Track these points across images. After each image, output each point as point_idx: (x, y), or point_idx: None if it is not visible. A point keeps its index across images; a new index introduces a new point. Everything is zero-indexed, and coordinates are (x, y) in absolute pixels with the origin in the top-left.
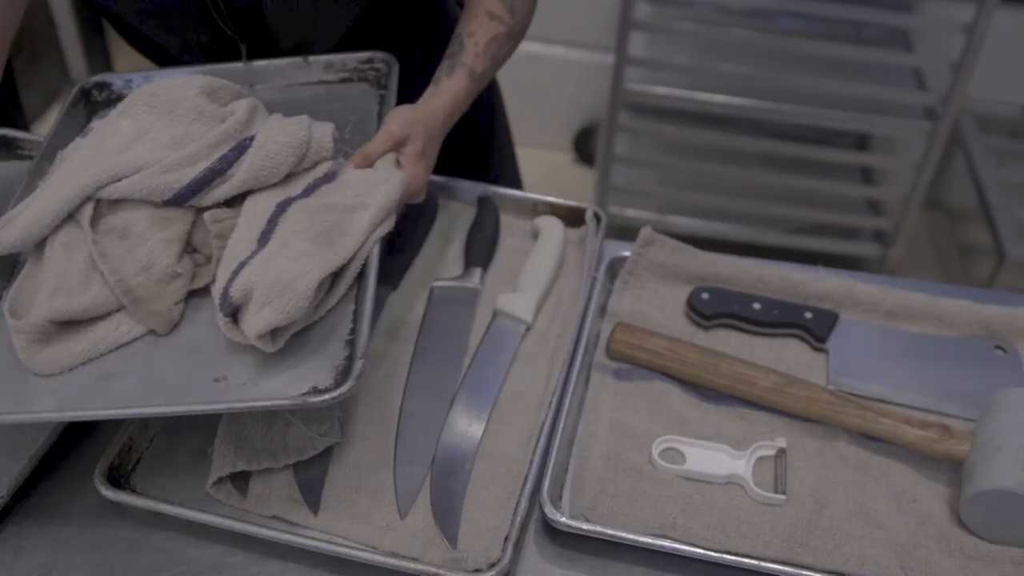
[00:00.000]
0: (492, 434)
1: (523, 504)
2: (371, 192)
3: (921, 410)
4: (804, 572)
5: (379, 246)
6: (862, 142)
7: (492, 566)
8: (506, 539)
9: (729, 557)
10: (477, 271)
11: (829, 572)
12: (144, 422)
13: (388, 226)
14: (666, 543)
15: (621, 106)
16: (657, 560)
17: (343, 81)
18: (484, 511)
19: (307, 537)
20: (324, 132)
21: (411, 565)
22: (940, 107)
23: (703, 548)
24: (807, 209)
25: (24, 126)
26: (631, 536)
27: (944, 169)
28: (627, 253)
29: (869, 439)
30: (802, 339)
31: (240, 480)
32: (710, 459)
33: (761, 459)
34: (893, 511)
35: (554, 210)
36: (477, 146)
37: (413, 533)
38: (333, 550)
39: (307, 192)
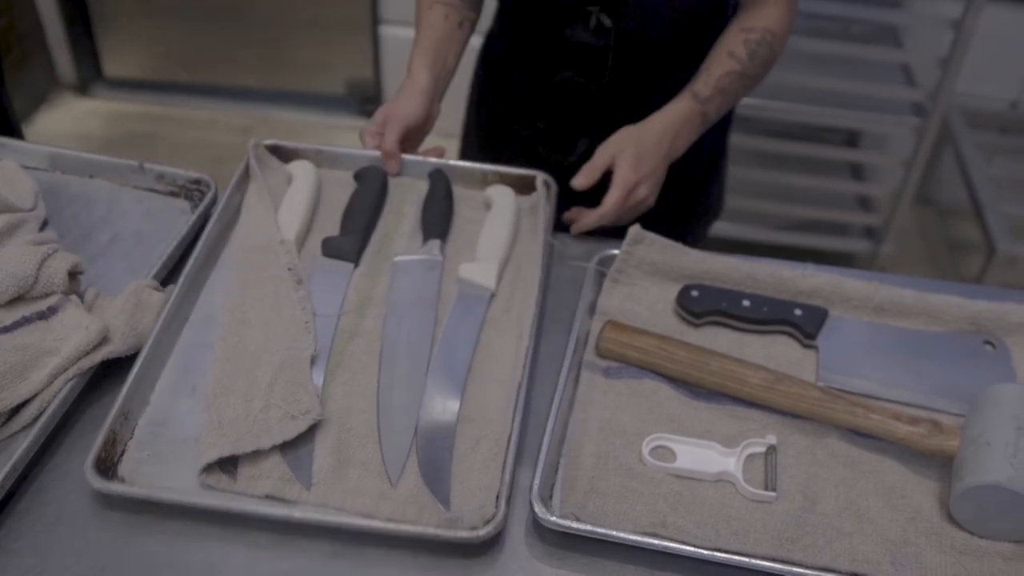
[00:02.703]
0: (470, 399)
1: (510, 462)
2: (67, 339)
3: (911, 406)
4: (795, 569)
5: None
6: (852, 138)
7: (487, 522)
8: (498, 496)
9: (720, 555)
10: (436, 243)
11: (820, 569)
12: (124, 414)
13: (78, 370)
14: (657, 541)
15: None
16: (648, 558)
17: (170, 194)
18: (472, 473)
19: (304, 511)
20: (60, 268)
21: (410, 528)
22: (929, 103)
23: (694, 546)
24: (797, 205)
25: (14, 128)
26: (621, 535)
27: (934, 165)
28: (616, 251)
29: (859, 435)
30: (792, 336)
31: (229, 465)
32: (700, 457)
33: (751, 456)
34: (883, 507)
35: (503, 179)
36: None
37: (406, 500)
38: (332, 521)
39: (11, 327)
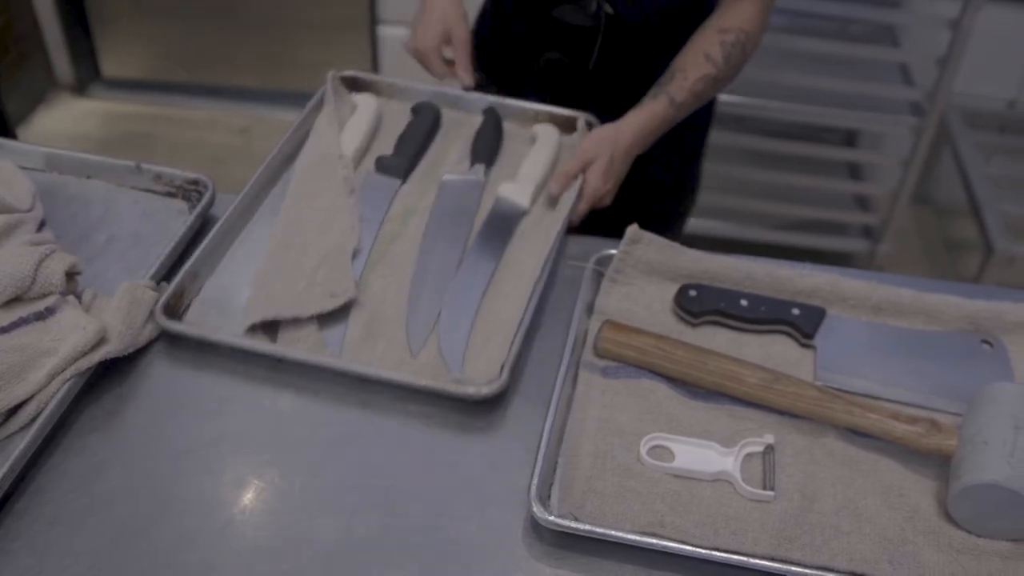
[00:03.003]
0: (493, 294)
1: (518, 342)
2: (65, 339)
3: (909, 405)
4: (793, 568)
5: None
6: (850, 138)
7: (491, 382)
8: (502, 366)
9: (718, 554)
10: (481, 167)
11: (818, 568)
12: (194, 273)
13: (76, 371)
14: (655, 541)
15: None
16: (646, 558)
17: (168, 195)
18: (483, 354)
19: (336, 362)
20: (57, 268)
21: (424, 381)
22: (927, 103)
23: (692, 545)
24: (795, 205)
25: (9, 129)
26: (619, 534)
27: (932, 164)
28: (614, 251)
29: (857, 435)
30: (790, 335)
31: (270, 331)
32: (698, 456)
33: (749, 456)
34: (881, 506)
35: (551, 118)
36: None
37: (423, 366)
38: (357, 370)
39: (9, 328)
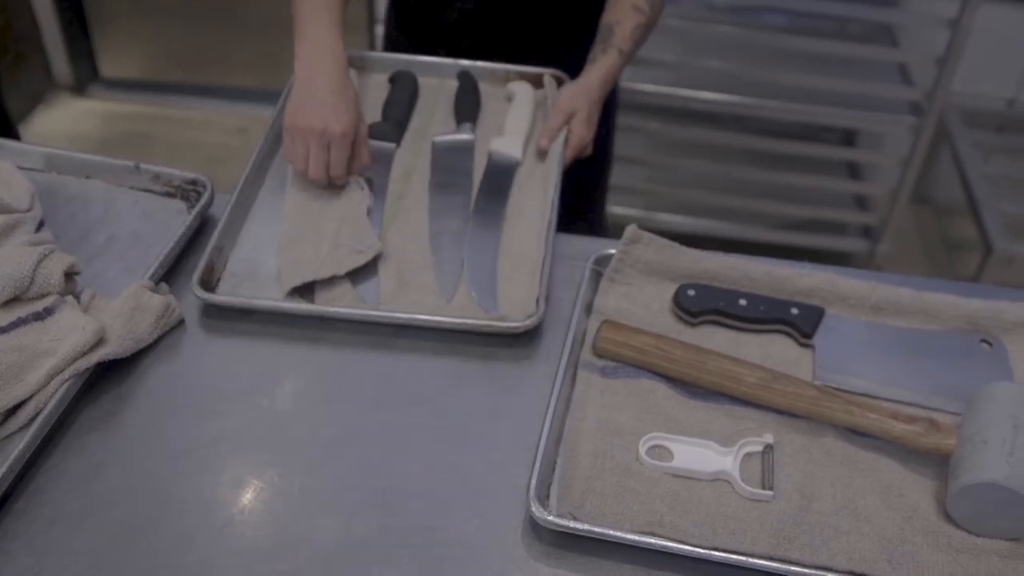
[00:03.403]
0: (508, 240)
1: (546, 275)
2: (64, 340)
3: (908, 404)
4: (791, 567)
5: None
6: (849, 138)
7: (529, 317)
8: (537, 299)
9: (717, 554)
10: (468, 125)
11: (817, 567)
12: (219, 248)
13: (74, 371)
14: (654, 540)
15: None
16: (645, 558)
17: (167, 195)
18: (513, 293)
19: (380, 311)
20: (56, 268)
21: (468, 320)
22: (926, 102)
23: (691, 545)
24: (794, 205)
25: (11, 128)
26: (618, 534)
27: (930, 164)
28: (613, 251)
29: (856, 434)
30: (788, 335)
31: (307, 294)
32: (697, 456)
33: (748, 455)
34: (880, 506)
35: (521, 76)
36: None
37: (461, 310)
38: (401, 317)
39: (8, 328)
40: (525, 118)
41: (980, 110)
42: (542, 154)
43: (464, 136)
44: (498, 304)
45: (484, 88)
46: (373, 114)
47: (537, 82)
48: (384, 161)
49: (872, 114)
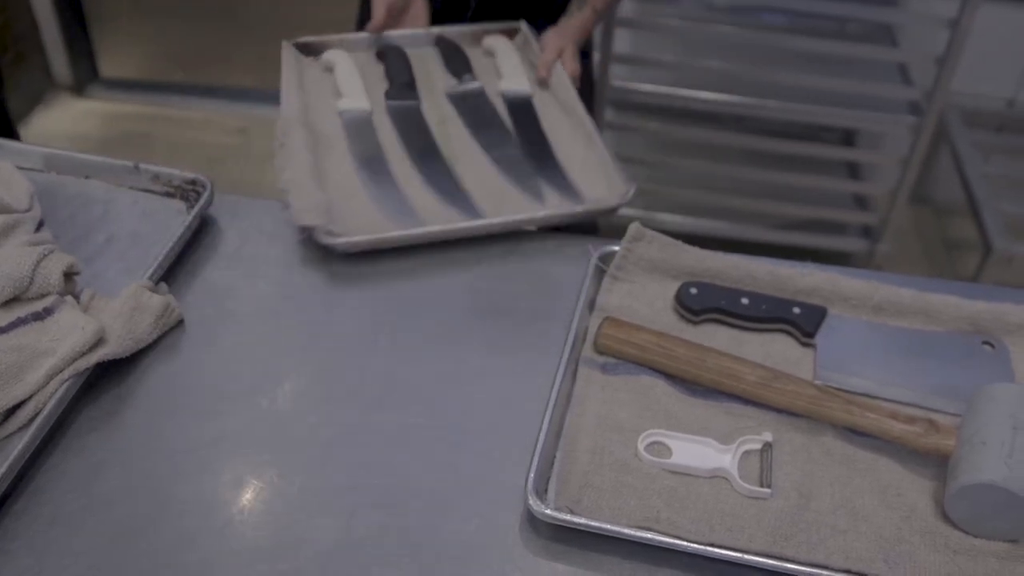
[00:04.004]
0: (564, 153)
1: (613, 163)
2: (63, 340)
3: (908, 405)
4: (788, 565)
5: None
6: (848, 138)
7: (622, 195)
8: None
9: (713, 550)
10: (468, 76)
11: (813, 565)
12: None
13: (74, 371)
14: (650, 535)
15: (607, 103)
16: (643, 553)
17: (166, 195)
18: (590, 191)
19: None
20: (55, 269)
21: (578, 209)
22: (925, 102)
23: (687, 541)
24: (793, 205)
25: (11, 129)
26: (615, 528)
27: (930, 164)
28: (616, 248)
29: (855, 434)
30: (790, 334)
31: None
32: (696, 453)
33: (747, 453)
34: (878, 505)
35: (499, 31)
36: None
37: (555, 207)
38: (514, 218)
39: (7, 328)
40: (516, 62)
41: (980, 110)
42: (543, 83)
43: (472, 85)
44: (584, 198)
45: (464, 48)
46: (381, 85)
47: (511, 35)
48: (414, 116)
49: (872, 114)
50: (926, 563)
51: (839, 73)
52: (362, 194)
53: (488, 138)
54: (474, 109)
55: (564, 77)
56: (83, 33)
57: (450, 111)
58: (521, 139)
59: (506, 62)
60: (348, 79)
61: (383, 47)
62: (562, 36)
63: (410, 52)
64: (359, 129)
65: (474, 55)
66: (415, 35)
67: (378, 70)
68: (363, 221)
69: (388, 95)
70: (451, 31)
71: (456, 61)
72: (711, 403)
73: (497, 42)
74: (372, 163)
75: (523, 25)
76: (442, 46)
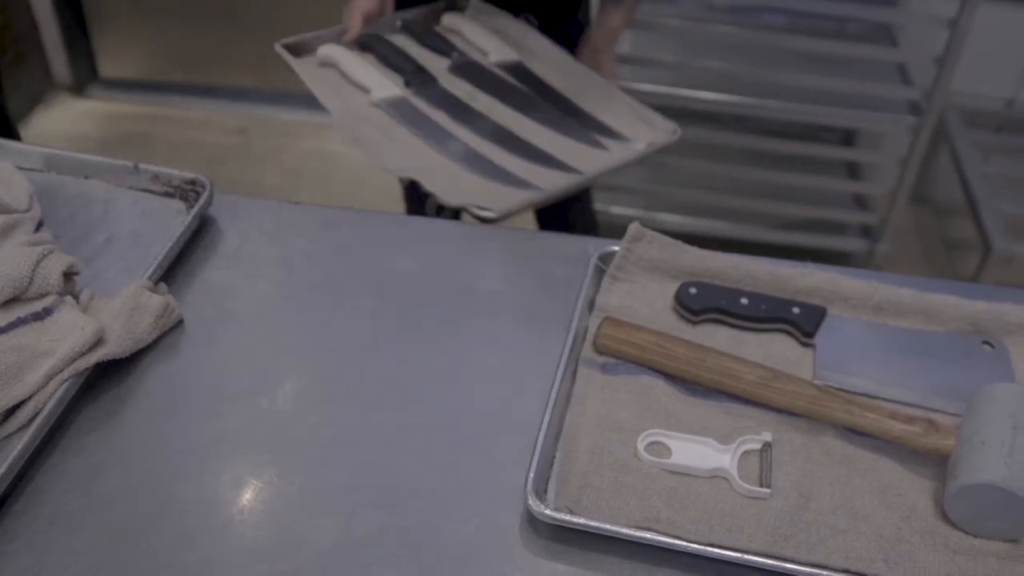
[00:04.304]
0: (584, 106)
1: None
2: (63, 340)
3: (908, 405)
4: (788, 565)
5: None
6: (848, 138)
7: (673, 133)
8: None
9: (713, 550)
10: (455, 53)
11: (813, 565)
12: None
13: (73, 371)
14: (649, 535)
15: None
16: (643, 553)
17: (166, 195)
18: (625, 126)
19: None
20: (55, 269)
21: (636, 148)
22: (925, 102)
23: (687, 541)
24: (793, 205)
25: (11, 129)
26: (614, 528)
27: (930, 164)
28: (616, 248)
29: (855, 434)
30: (790, 334)
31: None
32: (695, 453)
33: (746, 453)
34: (878, 505)
35: (446, 9)
36: None
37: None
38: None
39: (6, 328)
40: (484, 31)
41: (979, 110)
42: (528, 54)
43: (468, 59)
44: (636, 140)
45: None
46: (386, 72)
47: (461, 10)
48: (446, 95)
49: (871, 114)
50: (926, 563)
51: (839, 73)
52: (459, 169)
53: (519, 103)
54: (487, 81)
55: (543, 40)
56: (83, 33)
57: (466, 86)
58: (546, 100)
59: (476, 35)
60: (363, 71)
61: (362, 38)
62: (605, 52)
63: (391, 39)
64: (406, 114)
65: (442, 34)
66: (381, 24)
67: (370, 59)
68: (482, 191)
69: (409, 83)
70: (409, 16)
71: (434, 41)
72: (711, 403)
73: (454, 19)
74: (445, 141)
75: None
76: (412, 31)
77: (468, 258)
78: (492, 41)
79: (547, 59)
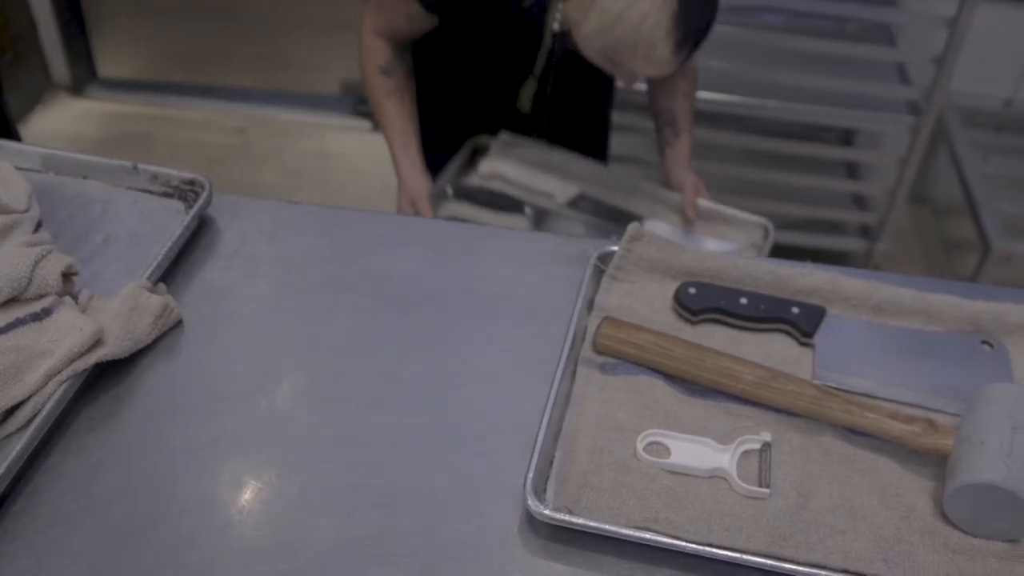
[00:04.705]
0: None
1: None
2: (61, 340)
3: (907, 405)
4: (787, 565)
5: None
6: (847, 137)
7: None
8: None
9: (712, 550)
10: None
11: (812, 565)
12: None
13: (72, 372)
14: (649, 535)
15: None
16: (642, 553)
17: (165, 195)
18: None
19: None
20: (54, 269)
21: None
22: (924, 101)
23: (686, 541)
24: (792, 205)
25: (11, 129)
26: (613, 528)
27: (929, 164)
28: (615, 248)
29: (854, 433)
30: (789, 334)
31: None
32: (695, 453)
33: (746, 453)
34: (877, 505)
35: (471, 153)
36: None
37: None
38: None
39: (5, 329)
40: (532, 173)
41: (978, 110)
42: (690, 222)
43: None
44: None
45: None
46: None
47: (483, 153)
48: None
49: (870, 114)
50: (925, 563)
51: (838, 73)
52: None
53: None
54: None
55: (591, 164)
56: (82, 33)
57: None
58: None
59: (527, 177)
60: (534, 176)
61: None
62: (687, 170)
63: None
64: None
65: (487, 186)
66: (435, 200)
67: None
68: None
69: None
70: (448, 179)
71: (500, 202)
72: (710, 403)
73: (490, 165)
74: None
75: (480, 139)
76: (464, 194)
77: (468, 258)
78: (549, 181)
79: (606, 183)
